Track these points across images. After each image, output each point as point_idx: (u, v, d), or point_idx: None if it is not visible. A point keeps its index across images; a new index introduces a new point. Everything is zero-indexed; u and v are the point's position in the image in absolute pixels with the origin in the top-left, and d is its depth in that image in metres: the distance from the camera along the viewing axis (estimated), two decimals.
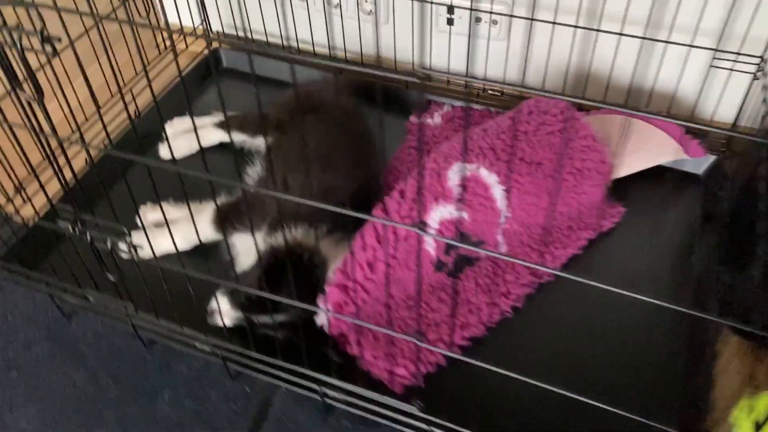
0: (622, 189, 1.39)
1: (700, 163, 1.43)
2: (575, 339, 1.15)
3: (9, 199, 1.22)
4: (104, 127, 0.85)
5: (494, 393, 1.08)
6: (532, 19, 1.39)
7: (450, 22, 1.53)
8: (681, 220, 1.38)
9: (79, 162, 1.16)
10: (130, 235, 0.95)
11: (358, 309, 1.12)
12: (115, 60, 0.84)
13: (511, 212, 1.22)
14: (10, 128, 0.88)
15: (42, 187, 0.98)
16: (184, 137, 1.52)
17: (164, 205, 1.36)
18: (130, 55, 1.47)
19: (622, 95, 1.49)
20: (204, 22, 1.71)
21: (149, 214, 1.34)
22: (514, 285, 1.21)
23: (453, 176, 1.19)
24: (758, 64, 1.32)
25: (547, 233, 1.29)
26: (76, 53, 0.76)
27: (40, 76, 0.76)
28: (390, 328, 1.14)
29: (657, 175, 1.43)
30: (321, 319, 1.12)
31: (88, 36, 1.27)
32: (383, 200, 1.18)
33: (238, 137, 1.49)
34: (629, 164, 1.35)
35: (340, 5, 1.60)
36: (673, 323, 1.17)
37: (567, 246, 1.28)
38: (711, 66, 1.35)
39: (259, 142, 1.47)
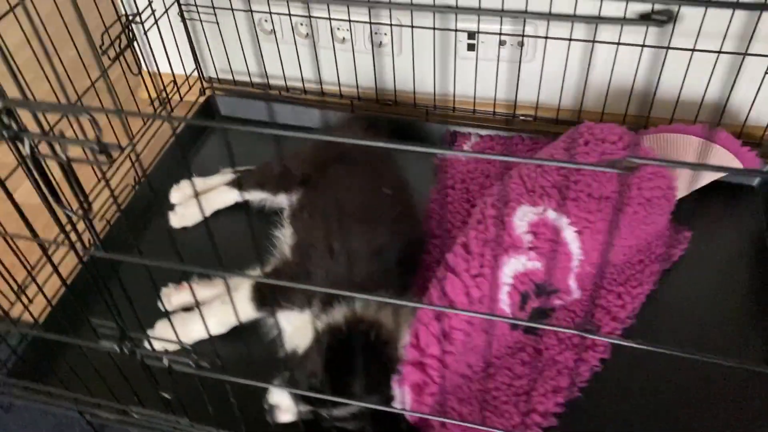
0: (677, 210, 1.29)
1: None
2: (673, 384, 1.05)
3: (20, 291, 1.05)
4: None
5: None
6: (570, 39, 1.28)
7: (471, 47, 1.42)
8: (746, 236, 1.29)
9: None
10: (192, 350, 0.80)
11: (439, 387, 1.00)
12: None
13: (583, 254, 1.11)
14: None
15: (64, 284, 0.82)
16: (194, 202, 1.36)
17: (191, 284, 1.20)
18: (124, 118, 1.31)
19: (665, 108, 1.39)
20: (197, 69, 1.55)
21: (174, 297, 1.18)
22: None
23: (519, 223, 1.08)
24: None
25: (620, 271, 1.19)
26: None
27: None
28: (481, 420, 1.02)
29: (709, 190, 1.34)
30: (399, 404, 0.99)
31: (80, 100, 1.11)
32: (446, 259, 1.06)
33: (257, 196, 1.34)
34: (690, 185, 1.26)
35: (352, 41, 1.47)
36: None
37: (642, 282, 1.17)
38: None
39: (281, 201, 1.33)
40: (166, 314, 1.13)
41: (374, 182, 1.23)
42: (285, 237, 1.24)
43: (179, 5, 1.44)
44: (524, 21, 1.34)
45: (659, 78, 1.33)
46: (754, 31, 1.22)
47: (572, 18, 0.44)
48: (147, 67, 1.39)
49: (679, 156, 1.24)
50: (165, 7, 1.40)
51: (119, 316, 0.78)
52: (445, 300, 1.01)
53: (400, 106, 1.52)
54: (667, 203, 1.20)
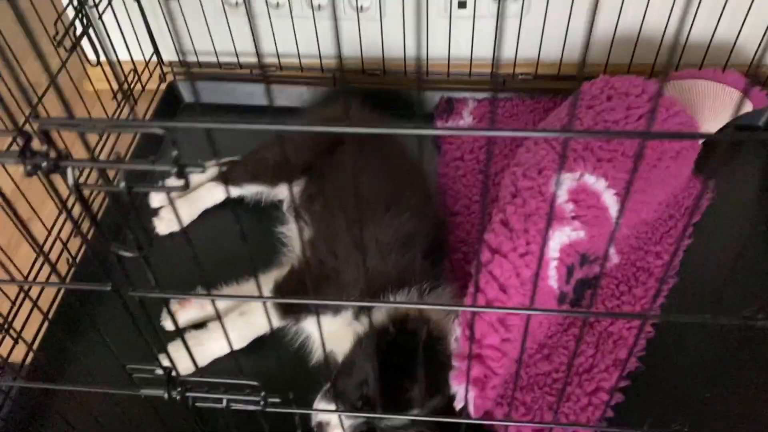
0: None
1: (758, 114, 1.32)
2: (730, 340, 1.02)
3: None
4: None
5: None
6: None
7: (462, 5, 1.31)
8: (759, 177, 1.27)
9: None
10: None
11: (501, 378, 0.92)
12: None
13: (622, 217, 1.05)
14: None
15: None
16: (179, 203, 1.22)
17: (197, 298, 1.07)
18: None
19: (672, 53, 1.34)
20: (156, 53, 1.38)
21: (181, 314, 1.05)
22: (647, 300, 1.05)
23: (558, 192, 1.00)
24: None
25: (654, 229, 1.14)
26: None
27: None
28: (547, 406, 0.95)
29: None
30: (461, 403, 0.91)
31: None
32: (486, 240, 0.97)
33: (251, 189, 1.21)
34: (708, 131, 1.22)
35: (333, 5, 1.33)
36: None
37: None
38: None
39: (281, 193, 1.20)
40: (179, 333, 1.01)
41: (386, 163, 1.12)
42: (294, 232, 1.13)
43: None
44: None
45: (667, 23, 1.27)
46: None
47: None
48: (106, 56, 1.22)
49: (697, 102, 1.19)
50: None
51: (168, 357, 0.66)
52: (494, 284, 0.93)
53: (389, 75, 1.41)
54: (694, 153, 1.15)
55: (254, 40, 0.47)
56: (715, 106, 1.20)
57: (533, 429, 0.92)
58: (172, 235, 1.19)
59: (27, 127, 0.69)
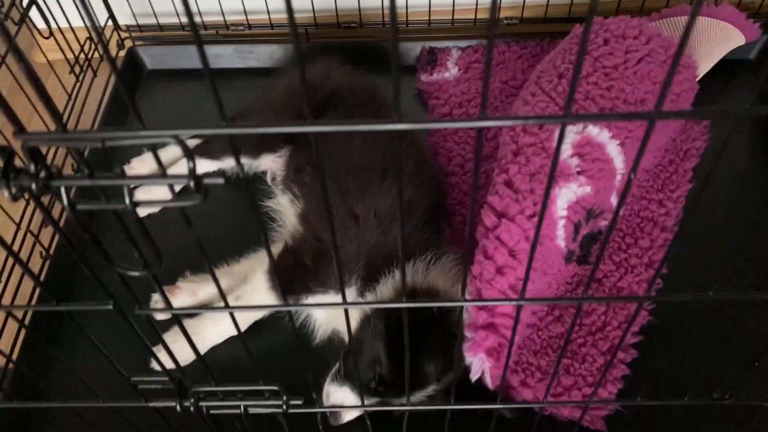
0: None
1: (748, 48, 1.29)
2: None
3: None
4: None
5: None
6: None
7: None
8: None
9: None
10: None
11: (516, 346, 0.89)
12: None
13: (625, 167, 1.01)
14: None
15: None
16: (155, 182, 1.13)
17: (186, 284, 1.01)
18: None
19: None
20: (111, 17, 1.27)
21: (173, 302, 0.99)
22: (654, 250, 1.03)
23: (563, 146, 0.95)
24: None
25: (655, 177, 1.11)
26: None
27: None
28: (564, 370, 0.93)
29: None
30: (476, 374, 0.88)
31: None
32: (491, 203, 0.92)
33: (232, 162, 1.13)
34: (704, 69, 1.18)
35: None
36: None
37: (679, 184, 1.10)
38: None
39: (265, 164, 1.13)
40: (177, 321, 0.95)
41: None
42: (285, 206, 1.06)
43: None
44: None
45: None
46: None
47: None
48: (57, 25, 1.11)
49: (693, 39, 1.15)
50: None
51: (178, 366, 0.61)
52: (504, 249, 0.89)
53: (366, 28, 1.32)
54: (693, 93, 1.11)
55: None
56: (710, 42, 1.16)
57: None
58: (150, 217, 1.11)
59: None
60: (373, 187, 0.96)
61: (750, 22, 1.20)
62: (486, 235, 0.91)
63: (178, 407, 0.61)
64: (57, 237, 1.05)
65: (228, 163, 1.13)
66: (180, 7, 1.29)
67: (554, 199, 0.92)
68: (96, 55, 1.22)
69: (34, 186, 0.35)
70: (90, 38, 1.20)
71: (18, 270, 0.94)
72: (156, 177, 0.36)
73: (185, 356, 0.66)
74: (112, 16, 1.27)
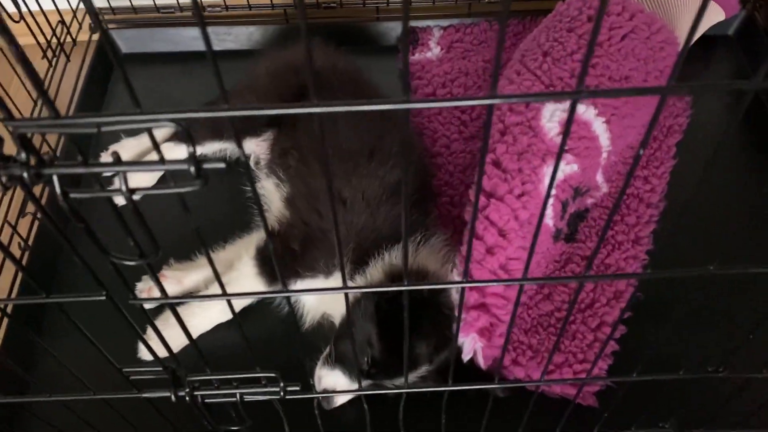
0: None
1: (728, 23, 1.29)
2: None
3: None
4: None
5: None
6: None
7: None
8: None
9: None
10: None
11: (507, 326, 0.90)
12: None
13: (611, 144, 1.01)
14: None
15: None
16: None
17: (172, 272, 0.99)
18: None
19: None
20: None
21: (155, 291, 0.97)
22: (640, 227, 1.03)
23: (550, 125, 0.95)
24: None
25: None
26: None
27: None
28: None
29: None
30: (468, 354, 0.89)
31: None
32: (480, 184, 0.92)
33: (213, 147, 1.11)
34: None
35: None
36: None
37: (663, 161, 1.11)
38: None
39: (247, 148, 1.11)
40: (172, 309, 0.94)
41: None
42: (270, 191, 1.05)
43: None
44: None
45: None
46: None
47: None
48: (27, 8, 1.07)
49: (676, 14, 1.15)
50: None
51: (172, 355, 0.60)
52: (493, 229, 0.89)
53: (346, 7, 1.30)
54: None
55: None
56: (691, 18, 1.16)
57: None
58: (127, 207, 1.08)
59: None
60: (360, 170, 0.94)
61: None
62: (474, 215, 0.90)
63: (172, 397, 0.60)
64: (35, 227, 1.02)
65: (210, 148, 1.11)
66: None
67: (542, 178, 0.92)
68: (68, 39, 1.18)
69: (26, 175, 0.33)
70: (62, 21, 1.16)
71: None
72: (154, 163, 0.35)
73: (176, 345, 0.64)
74: None
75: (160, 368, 0.60)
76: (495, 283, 0.84)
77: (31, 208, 1.01)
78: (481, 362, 0.88)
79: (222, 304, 0.95)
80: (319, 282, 0.92)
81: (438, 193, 1.08)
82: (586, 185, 1.01)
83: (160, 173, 1.11)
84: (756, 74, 0.38)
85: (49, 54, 1.11)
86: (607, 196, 1.07)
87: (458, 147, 1.13)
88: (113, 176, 0.37)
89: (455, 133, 1.15)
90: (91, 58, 1.24)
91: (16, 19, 1.03)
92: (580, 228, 1.03)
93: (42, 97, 0.32)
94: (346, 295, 0.53)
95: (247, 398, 0.64)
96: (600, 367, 0.91)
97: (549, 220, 0.95)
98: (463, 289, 0.54)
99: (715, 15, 1.20)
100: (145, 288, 0.98)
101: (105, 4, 1.27)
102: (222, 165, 0.35)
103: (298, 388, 0.62)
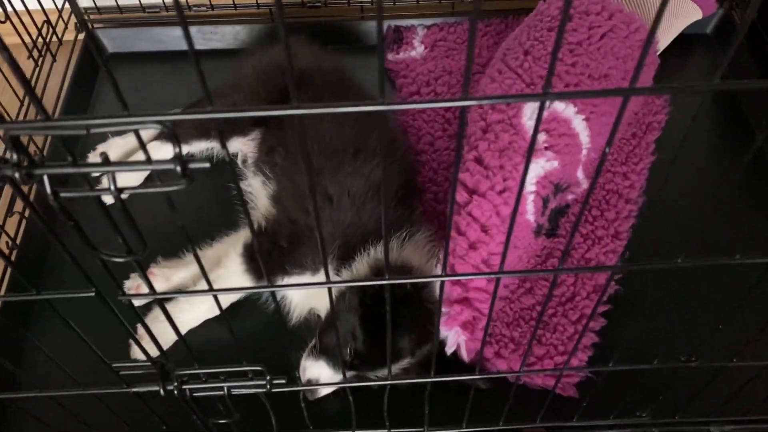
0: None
1: (705, 22, 1.32)
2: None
3: None
4: None
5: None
6: None
7: None
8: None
9: None
10: None
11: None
12: None
13: (591, 142, 1.04)
14: None
15: None
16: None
17: (159, 269, 1.01)
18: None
19: None
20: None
21: (144, 287, 0.98)
22: (620, 222, 1.06)
23: (531, 123, 0.97)
24: None
25: (620, 151, 1.14)
26: None
27: None
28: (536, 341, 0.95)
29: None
30: (451, 347, 0.90)
31: None
32: (461, 180, 0.94)
33: (200, 146, 1.12)
34: (663, 43, 1.21)
35: None
36: None
37: (642, 157, 1.13)
38: None
39: (234, 147, 1.12)
40: (160, 305, 0.96)
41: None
42: (257, 188, 1.06)
43: None
44: None
45: None
46: None
47: None
48: (13, 8, 1.07)
49: (653, 10, 1.17)
50: None
51: (161, 350, 0.61)
52: (476, 225, 0.91)
53: (331, 7, 1.31)
54: (653, 68, 1.14)
55: None
56: (670, 18, 1.19)
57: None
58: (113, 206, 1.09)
59: None
60: (345, 168, 0.96)
61: None
62: (458, 211, 0.93)
63: (161, 391, 0.62)
64: (23, 227, 1.03)
65: (196, 148, 1.12)
66: None
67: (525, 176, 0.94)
68: (54, 38, 1.19)
69: (17, 175, 0.35)
70: (48, 21, 1.17)
71: None
72: (141, 163, 0.36)
73: (164, 341, 0.66)
74: None
75: (149, 363, 0.62)
76: (473, 277, 0.85)
77: (18, 207, 1.01)
78: (465, 355, 0.90)
79: (209, 301, 0.96)
80: (306, 278, 0.94)
81: (423, 189, 1.10)
82: (566, 182, 1.03)
83: (146, 172, 1.12)
84: (714, 75, 0.40)
85: (35, 54, 1.11)
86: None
87: (442, 144, 1.15)
88: (101, 176, 0.38)
89: (439, 130, 1.16)
90: (77, 57, 1.24)
91: (2, 19, 1.03)
92: (560, 223, 1.05)
93: (32, 99, 0.34)
94: (330, 289, 0.55)
95: (235, 392, 0.66)
96: (580, 359, 0.93)
97: (530, 215, 0.97)
98: (442, 282, 0.56)
99: (693, 14, 1.22)
100: (134, 285, 0.99)
101: (90, 4, 1.27)
102: (207, 165, 0.37)
103: (284, 382, 0.64)
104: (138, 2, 1.29)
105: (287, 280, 0.94)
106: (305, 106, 0.35)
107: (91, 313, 0.63)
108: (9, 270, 0.93)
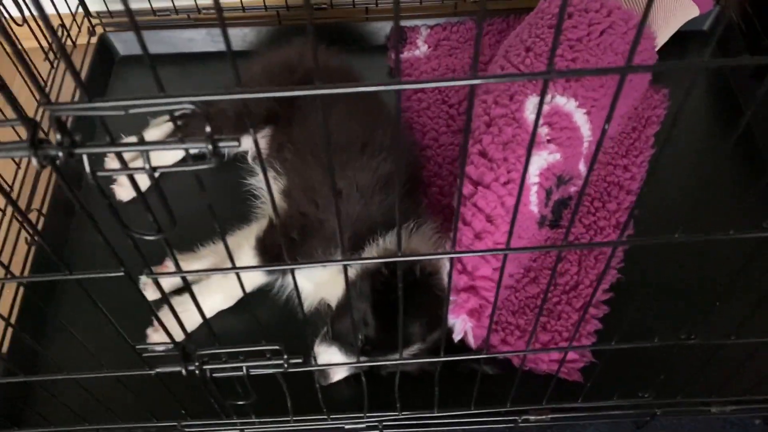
0: None
1: (703, 19, 1.35)
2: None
3: None
4: None
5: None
6: None
7: None
8: (711, 80, 1.31)
9: None
10: None
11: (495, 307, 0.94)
12: None
13: (592, 135, 1.06)
14: None
15: None
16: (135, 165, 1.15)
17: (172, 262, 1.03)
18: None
19: None
20: (81, 2, 1.27)
21: (171, 266, 1.01)
22: (621, 212, 1.08)
23: (532, 116, 1.00)
24: None
25: (618, 143, 1.17)
26: None
27: None
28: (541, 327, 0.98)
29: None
30: (459, 334, 0.93)
31: None
32: (466, 173, 0.97)
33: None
34: (661, 40, 1.23)
35: None
36: None
37: (642, 150, 1.16)
38: None
39: (244, 144, 1.15)
40: (165, 300, 0.98)
41: (354, 103, 1.08)
42: (264, 185, 1.09)
43: None
44: None
45: None
46: None
47: None
48: (30, 12, 1.11)
49: (651, 10, 1.20)
50: None
51: (185, 332, 0.64)
52: (481, 215, 0.94)
53: (336, 8, 1.34)
54: (652, 63, 1.17)
55: None
56: (667, 15, 1.21)
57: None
58: (134, 201, 1.13)
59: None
60: (353, 163, 0.99)
61: None
62: (463, 202, 0.95)
63: (183, 371, 0.64)
64: (41, 224, 1.06)
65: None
66: None
67: (528, 168, 0.97)
68: (69, 42, 1.23)
69: (61, 155, 0.38)
70: (62, 25, 1.20)
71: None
72: (174, 141, 0.39)
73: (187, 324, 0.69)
74: (82, 2, 1.27)
75: (171, 344, 0.65)
76: (482, 253, 0.88)
77: (36, 204, 1.05)
78: (472, 342, 0.93)
79: (224, 291, 1.00)
80: (316, 269, 0.97)
81: (428, 183, 1.13)
82: (569, 174, 1.06)
83: (178, 158, 1.14)
84: (705, 52, 0.43)
85: (51, 56, 1.15)
86: (590, 184, 1.12)
87: (446, 140, 1.18)
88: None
89: (443, 126, 1.19)
90: (90, 59, 1.28)
91: (20, 22, 1.07)
92: (563, 215, 1.08)
93: (76, 81, 0.37)
94: (345, 267, 0.58)
95: (253, 372, 0.69)
96: (584, 345, 0.96)
97: (534, 207, 1.00)
98: (452, 260, 0.59)
99: (690, 11, 1.25)
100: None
101: (102, 8, 1.31)
102: (236, 144, 0.39)
103: (300, 361, 0.67)
104: (149, 6, 1.32)
105: (298, 272, 0.97)
106: (325, 86, 0.38)
107: (109, 300, 0.66)
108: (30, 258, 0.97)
